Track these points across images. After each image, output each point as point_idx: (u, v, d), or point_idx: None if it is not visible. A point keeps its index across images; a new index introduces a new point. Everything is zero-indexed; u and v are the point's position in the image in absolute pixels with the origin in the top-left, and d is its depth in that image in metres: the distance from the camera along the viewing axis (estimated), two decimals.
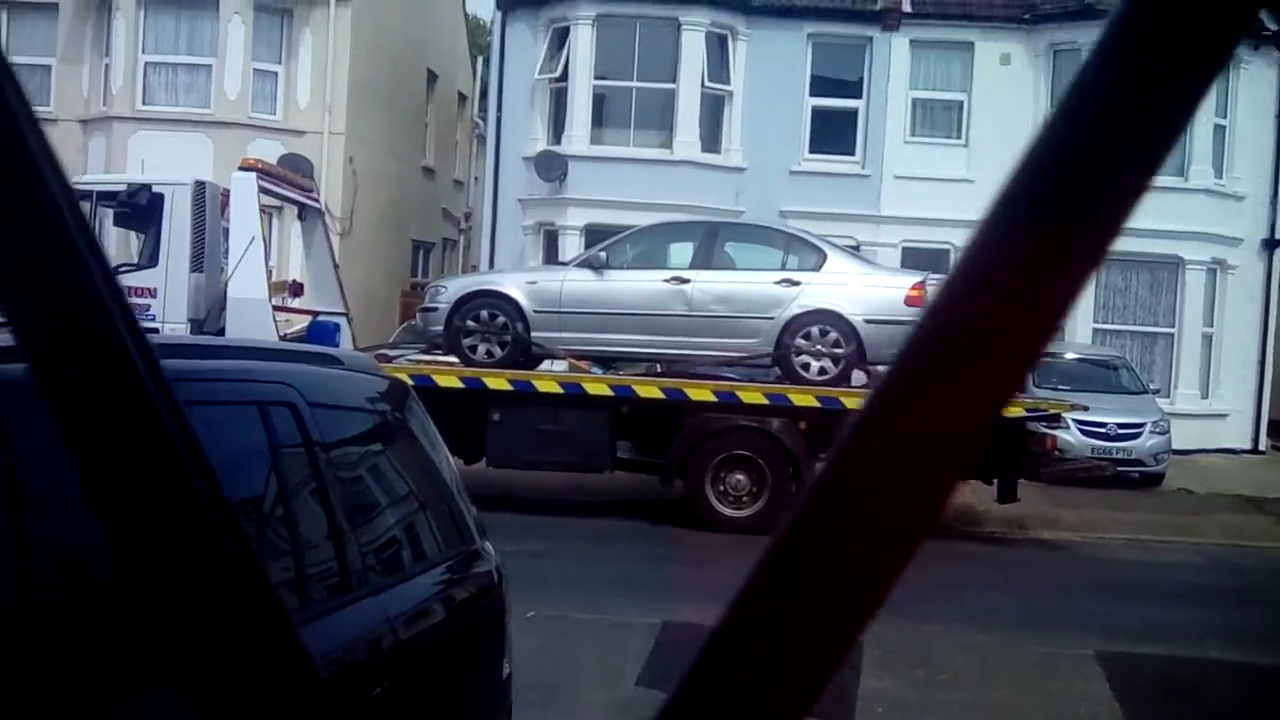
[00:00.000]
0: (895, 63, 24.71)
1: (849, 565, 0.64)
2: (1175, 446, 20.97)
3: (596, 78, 24.23)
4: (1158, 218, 22.11)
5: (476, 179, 33.63)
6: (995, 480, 15.93)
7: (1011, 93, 24.37)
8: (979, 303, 0.61)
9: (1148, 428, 20.02)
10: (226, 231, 15.53)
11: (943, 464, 0.63)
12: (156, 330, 14.73)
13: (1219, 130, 23.95)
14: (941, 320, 0.62)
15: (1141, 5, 0.59)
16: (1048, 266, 0.61)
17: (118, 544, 0.61)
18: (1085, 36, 23.68)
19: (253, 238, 14.97)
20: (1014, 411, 15.53)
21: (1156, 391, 22.05)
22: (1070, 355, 21.56)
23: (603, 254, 15.93)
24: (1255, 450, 24.54)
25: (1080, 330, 23.54)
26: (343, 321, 16.81)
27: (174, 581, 0.61)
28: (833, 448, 0.66)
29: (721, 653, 0.65)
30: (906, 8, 24.87)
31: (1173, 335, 24.22)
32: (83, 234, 0.61)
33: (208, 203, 15.69)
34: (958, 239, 24.03)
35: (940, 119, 25.17)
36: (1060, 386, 19.09)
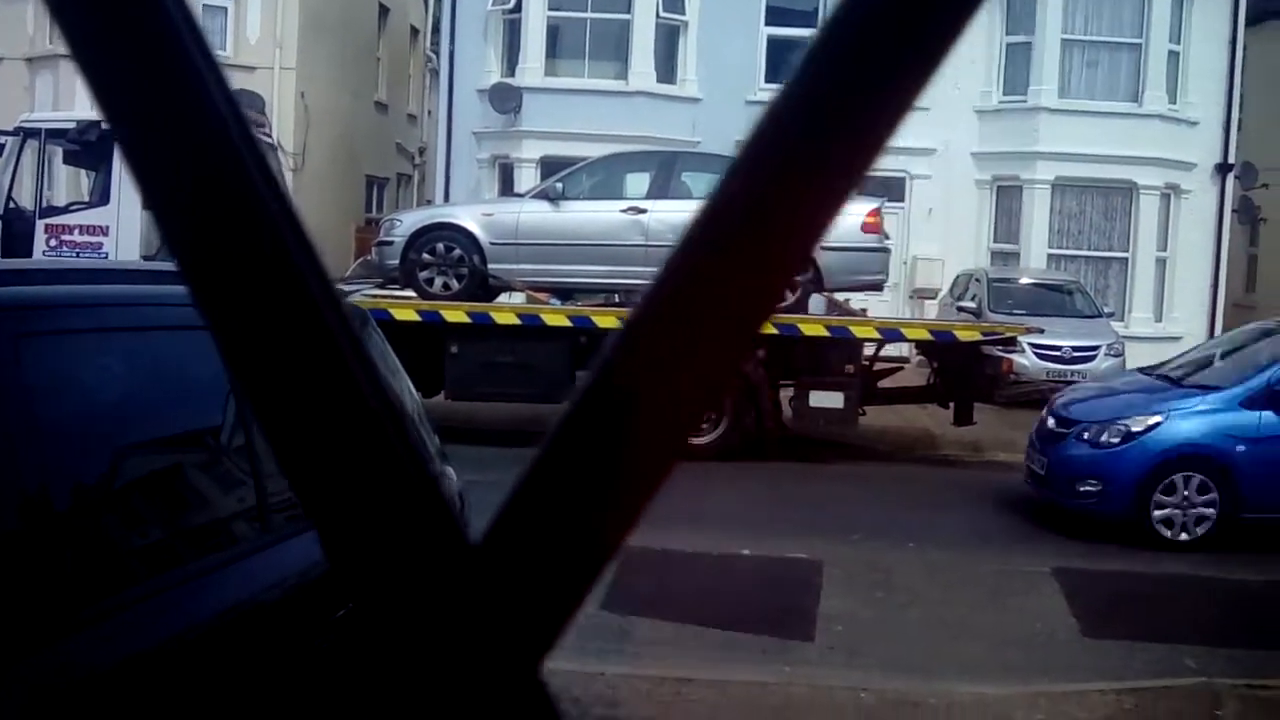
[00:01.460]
0: None
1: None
2: (1130, 368, 21.18)
3: (550, 9, 24.02)
4: (1112, 143, 22.26)
5: (430, 113, 33.38)
6: (951, 404, 16.10)
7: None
8: (733, 219, 0.62)
9: (1102, 350, 20.18)
10: None
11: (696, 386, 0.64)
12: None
13: (1173, 56, 24.02)
14: (702, 234, 0.63)
15: None
16: (806, 182, 0.62)
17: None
18: None
19: None
20: (969, 335, 15.68)
21: (1111, 315, 22.23)
22: (1025, 280, 21.70)
23: (559, 185, 15.88)
24: None
25: (1035, 255, 23.69)
26: None
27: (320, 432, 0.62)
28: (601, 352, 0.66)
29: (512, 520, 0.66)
30: None
31: (1127, 260, 24.39)
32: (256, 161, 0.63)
33: None
34: (913, 167, 24.15)
35: None
36: (1015, 311, 19.24)
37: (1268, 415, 11.55)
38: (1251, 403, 11.68)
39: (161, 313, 3.91)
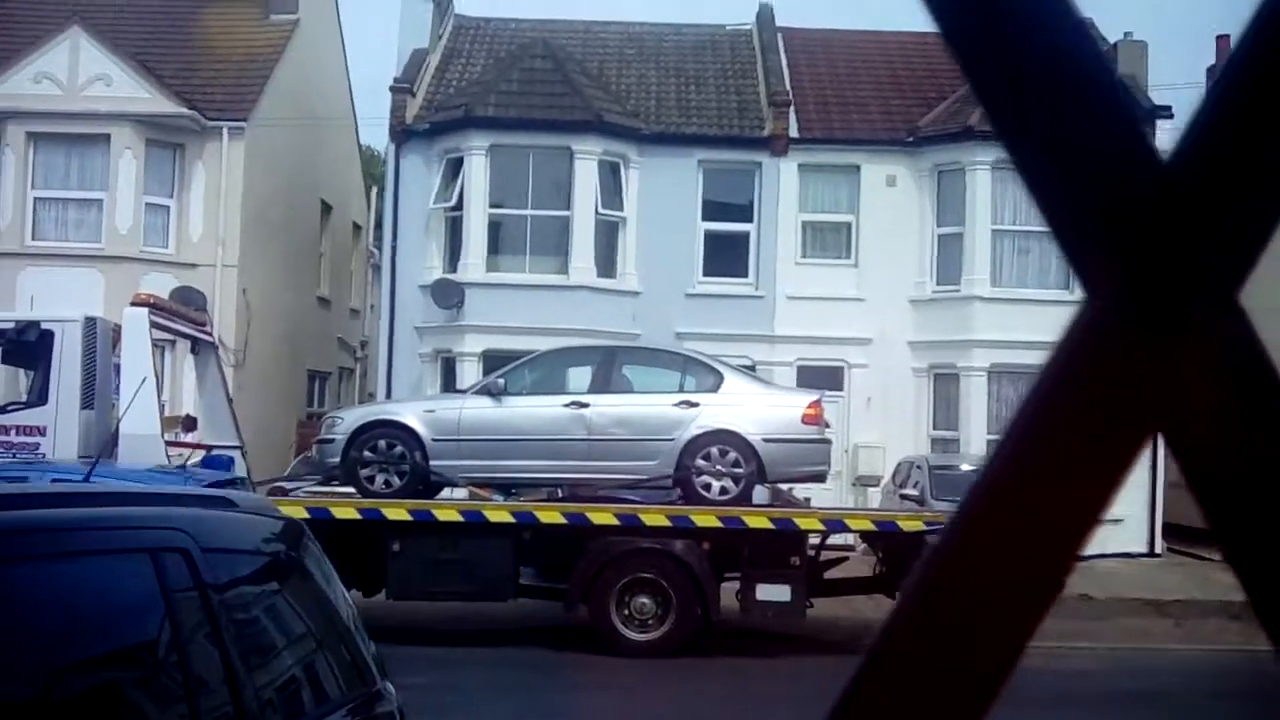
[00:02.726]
0: (784, 186, 25.19)
1: (943, 687, 0.65)
2: None
3: (491, 206, 24.41)
4: (1046, 330, 22.56)
5: (372, 308, 33.58)
6: (898, 594, 16.02)
7: (898, 213, 24.95)
8: (978, 551, 0.64)
9: None
10: (118, 367, 15.33)
11: (1031, 589, 0.65)
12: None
13: None
14: (1024, 442, 0.64)
15: None
16: (1051, 516, 0.64)
17: None
18: (968, 157, 24.39)
19: (144, 378, 14.78)
20: (912, 525, 15.69)
21: None
22: (967, 466, 21.83)
23: (501, 380, 15.93)
24: (1152, 553, 24.91)
25: (975, 440, 23.86)
26: (237, 455, 16.59)
27: None
28: (913, 577, 0.67)
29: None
30: (794, 133, 25.43)
31: None
32: None
33: (98, 339, 15.51)
34: (851, 356, 24.47)
35: (830, 240, 25.65)
36: (958, 499, 19.27)
37: None
38: None
39: (105, 536, 3.89)
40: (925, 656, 0.65)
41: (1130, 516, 24.72)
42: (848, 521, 16.51)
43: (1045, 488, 0.65)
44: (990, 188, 24.41)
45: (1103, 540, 19.19)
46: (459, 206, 24.37)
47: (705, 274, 25.20)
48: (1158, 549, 25.15)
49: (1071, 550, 0.66)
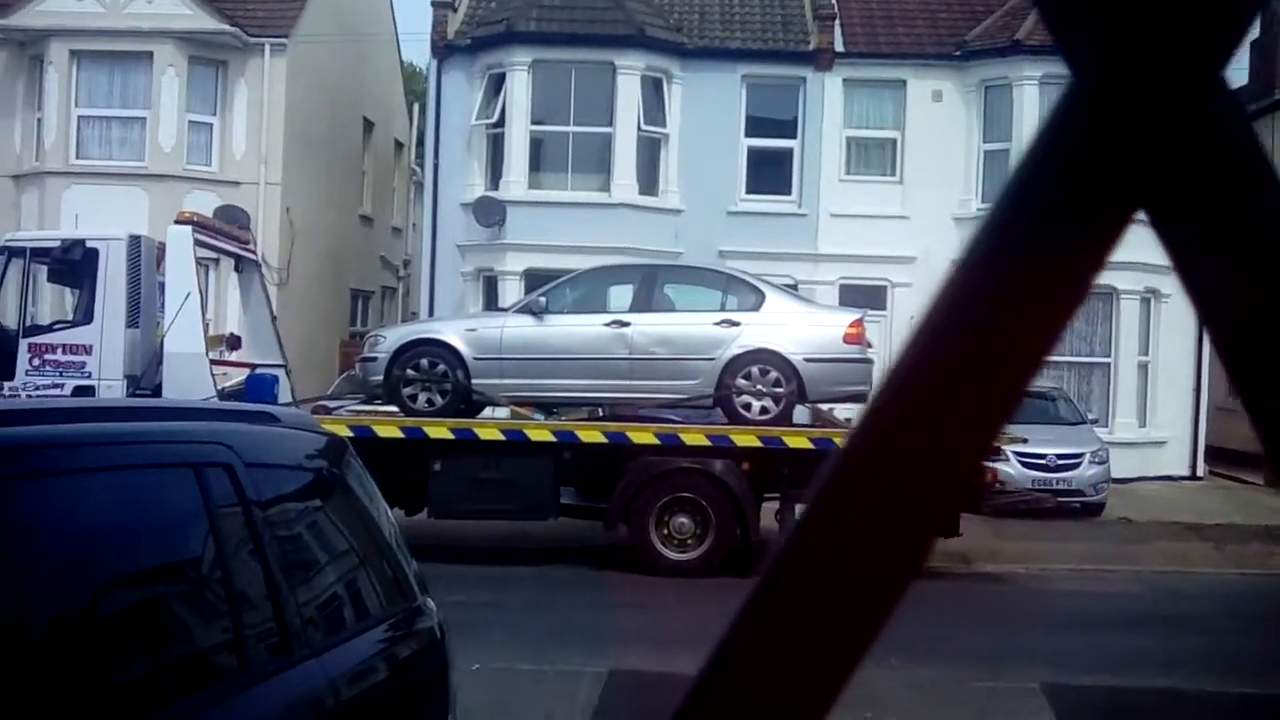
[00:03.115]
0: (829, 102, 24.95)
1: (838, 605, 0.64)
2: (1114, 475, 21.18)
3: (533, 123, 24.30)
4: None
5: (415, 226, 33.59)
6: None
7: (944, 129, 24.68)
8: (965, 331, 0.63)
9: (1087, 458, 20.20)
10: (162, 286, 15.42)
11: (930, 498, 0.64)
12: (92, 389, 14.61)
13: None
14: (928, 349, 0.63)
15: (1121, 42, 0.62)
16: (1036, 293, 0.62)
17: None
18: (1016, 72, 24.06)
19: (188, 294, 14.87)
20: None
21: (1094, 421, 22.27)
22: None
23: (542, 299, 15.91)
24: (1193, 477, 24.81)
25: None
26: (281, 373, 16.71)
27: None
28: (815, 484, 0.66)
29: (705, 701, 0.65)
30: (839, 47, 25.14)
31: (1109, 365, 24.47)
32: None
33: (143, 257, 15.59)
34: (894, 275, 24.30)
35: (874, 157, 25.43)
36: None
37: None
38: None
39: (148, 450, 3.93)
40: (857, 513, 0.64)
41: (1173, 439, 24.63)
42: None
43: (1022, 277, 0.63)
44: (1038, 103, 24.08)
45: (1145, 463, 19.28)
46: (500, 123, 24.28)
47: (748, 191, 25.05)
48: (1199, 472, 25.04)
49: (1045, 347, 0.65)
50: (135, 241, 15.63)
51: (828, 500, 0.64)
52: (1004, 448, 16.71)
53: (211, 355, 15.54)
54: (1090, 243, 0.63)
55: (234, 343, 17.50)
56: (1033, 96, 24.08)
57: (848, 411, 17.82)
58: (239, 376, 16.37)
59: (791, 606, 0.65)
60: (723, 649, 0.65)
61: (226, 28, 25.77)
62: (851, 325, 15.50)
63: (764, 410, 15.25)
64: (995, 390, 0.64)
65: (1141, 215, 0.66)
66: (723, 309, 15.76)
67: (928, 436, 0.63)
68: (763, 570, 0.66)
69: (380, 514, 5.55)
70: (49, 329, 15.73)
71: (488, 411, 16.52)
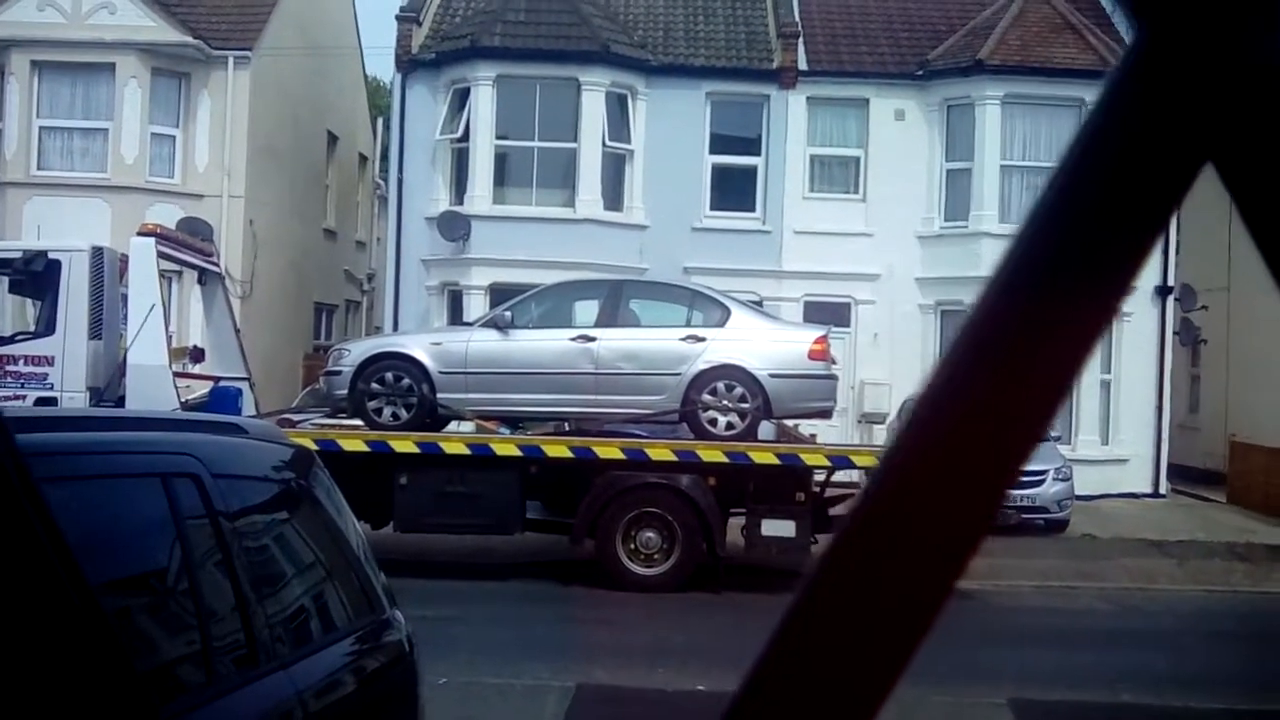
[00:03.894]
0: (793, 120, 25.04)
1: (872, 628, 0.63)
2: (1078, 492, 21.28)
3: (498, 137, 24.27)
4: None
5: (379, 240, 33.51)
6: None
7: (907, 147, 24.81)
8: (991, 364, 0.61)
9: (1050, 474, 20.28)
10: (125, 297, 15.31)
11: (962, 525, 0.63)
12: (54, 400, 14.48)
13: None
14: (956, 379, 0.62)
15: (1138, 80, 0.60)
16: (1060, 324, 0.61)
17: None
18: (978, 91, 24.23)
19: (152, 305, 14.77)
20: None
21: (1058, 438, 22.36)
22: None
23: (507, 313, 15.88)
24: (1156, 494, 24.96)
25: None
26: (245, 386, 16.61)
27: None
28: (850, 507, 0.65)
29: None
30: (802, 65, 25.24)
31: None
32: None
33: (105, 269, 15.47)
34: (858, 292, 24.40)
35: (838, 174, 25.53)
36: None
37: None
38: None
39: (116, 460, 3.88)
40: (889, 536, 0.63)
41: (1135, 457, 24.79)
42: (853, 458, 16.48)
43: (1081, 248, 0.62)
44: (1000, 122, 24.29)
45: (1108, 480, 19.38)
46: (465, 138, 24.25)
47: (712, 208, 25.10)
48: (1162, 490, 25.20)
49: (1105, 320, 0.64)
50: (98, 253, 15.52)
51: (865, 516, 0.63)
52: None
53: (175, 368, 15.43)
54: (1160, 201, 0.62)
55: (197, 355, 17.39)
56: (994, 116, 24.26)
57: (812, 427, 17.86)
58: (202, 389, 16.27)
59: (829, 623, 0.63)
60: (760, 668, 0.64)
61: (190, 40, 25.65)
62: (816, 341, 15.54)
63: (730, 426, 15.26)
64: (1036, 399, 0.63)
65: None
66: (688, 324, 15.77)
67: (966, 450, 0.62)
68: (799, 586, 0.65)
69: (348, 526, 5.52)
70: (11, 340, 15.59)
71: (453, 425, 16.46)
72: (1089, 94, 24.14)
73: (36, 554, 0.59)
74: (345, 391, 15.61)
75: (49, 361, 14.91)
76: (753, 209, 25.20)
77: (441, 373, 15.44)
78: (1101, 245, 0.62)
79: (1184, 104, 0.61)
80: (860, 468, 16.72)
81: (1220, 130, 0.61)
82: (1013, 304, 0.63)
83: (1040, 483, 20.07)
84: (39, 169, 25.43)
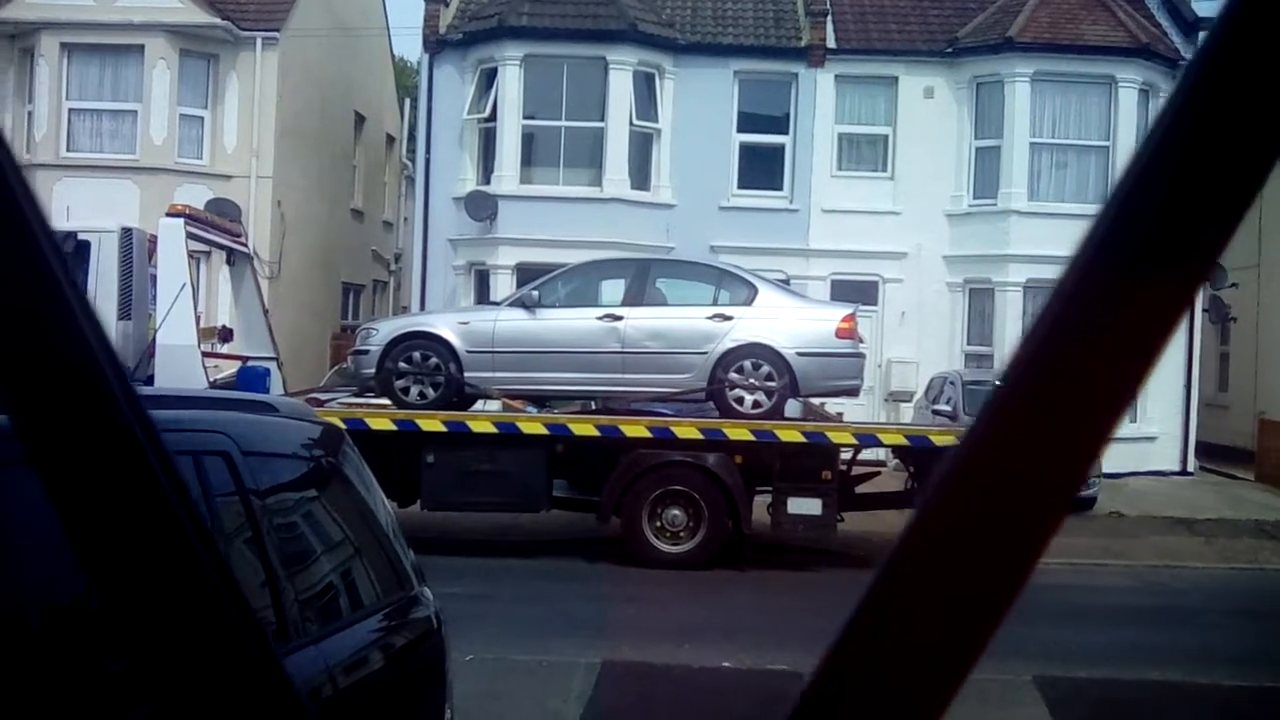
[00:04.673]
0: (821, 98, 24.97)
1: (951, 610, 0.64)
2: (1105, 470, 21.20)
3: (525, 117, 24.28)
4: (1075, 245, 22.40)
5: (406, 220, 33.55)
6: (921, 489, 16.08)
7: (936, 125, 24.72)
8: (1074, 346, 0.63)
9: None
10: (154, 278, 15.40)
11: (1042, 506, 0.65)
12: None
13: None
14: (1037, 361, 0.63)
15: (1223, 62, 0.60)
16: (1144, 305, 0.62)
17: (100, 577, 0.62)
18: (1007, 69, 24.09)
19: (182, 285, 14.85)
20: (944, 440, 15.68)
21: None
22: (999, 381, 21.72)
23: (535, 293, 15.92)
24: (1184, 472, 24.87)
25: (1009, 357, 23.74)
26: (273, 366, 16.69)
27: (156, 608, 0.62)
28: (927, 491, 0.67)
29: (820, 706, 0.65)
30: (831, 44, 25.15)
31: None
32: (69, 284, 0.62)
33: (135, 249, 15.56)
34: (886, 270, 24.34)
35: (866, 153, 25.45)
36: None
37: None
38: None
39: None
40: (944, 560, 0.65)
41: (1164, 435, 24.69)
42: (880, 436, 16.51)
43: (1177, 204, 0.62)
44: (1029, 100, 24.16)
45: (1136, 458, 19.37)
46: (492, 118, 24.26)
47: (740, 187, 25.06)
48: (1190, 468, 25.11)
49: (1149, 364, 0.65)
50: (127, 234, 15.61)
51: (950, 491, 0.65)
52: None
53: (203, 348, 15.52)
54: (1254, 166, 0.62)
55: (226, 335, 17.47)
56: (1024, 93, 24.14)
57: (839, 406, 17.85)
58: (231, 369, 16.35)
59: (916, 592, 0.65)
60: (845, 637, 0.65)
61: (218, 21, 25.73)
62: (843, 320, 15.52)
63: (756, 404, 15.27)
64: (1119, 377, 0.64)
65: None
66: (715, 303, 15.78)
67: (1049, 428, 0.64)
68: (883, 558, 0.66)
69: (377, 503, 5.56)
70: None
71: (480, 404, 16.52)
72: (1119, 71, 24.04)
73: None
74: (373, 370, 15.68)
75: None
76: (780, 188, 25.15)
77: (469, 352, 15.49)
78: (1191, 215, 0.62)
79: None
80: (886, 445, 16.74)
81: None
82: (1098, 279, 0.64)
83: None
84: (68, 151, 25.57)
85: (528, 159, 24.55)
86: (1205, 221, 0.63)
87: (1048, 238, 23.34)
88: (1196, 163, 0.62)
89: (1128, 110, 24.16)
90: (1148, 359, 0.64)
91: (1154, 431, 24.58)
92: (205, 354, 15.44)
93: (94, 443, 0.62)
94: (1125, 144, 24.10)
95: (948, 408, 20.26)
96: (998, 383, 0.68)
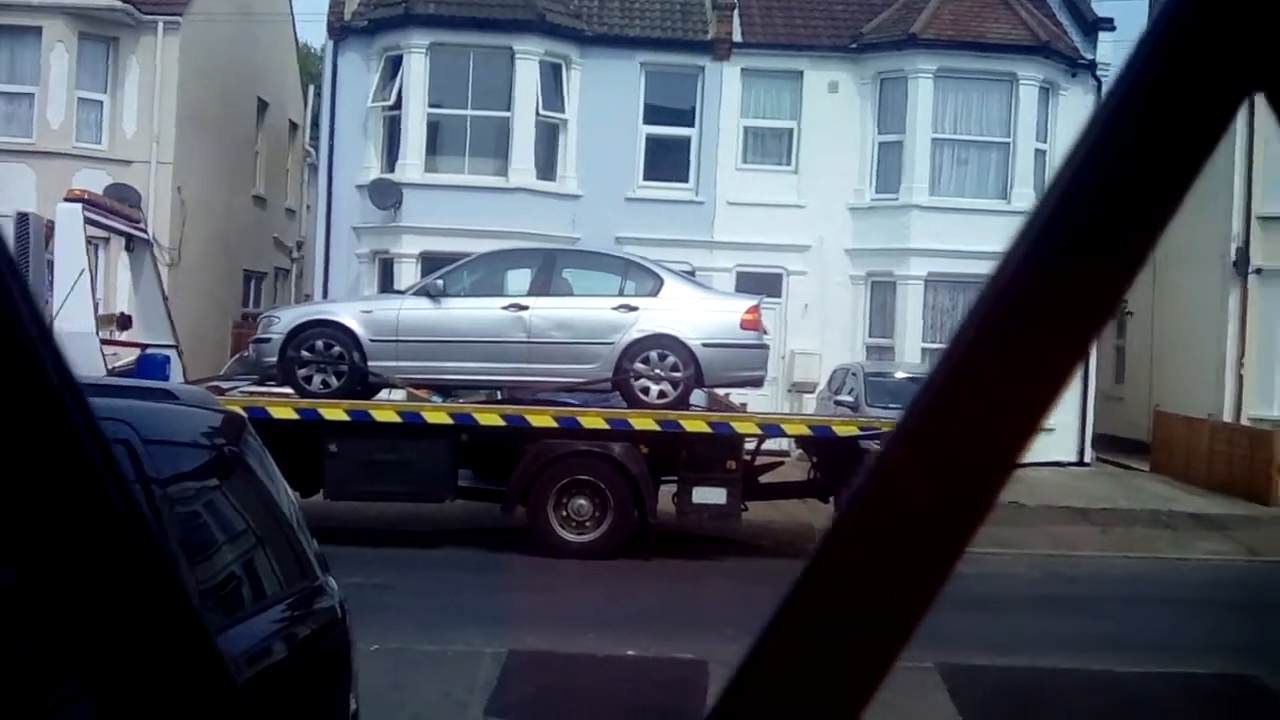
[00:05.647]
0: (727, 91, 25.09)
1: (878, 598, 0.65)
2: None
3: (431, 106, 24.14)
4: (982, 240, 22.78)
5: (309, 207, 33.25)
6: (831, 498, 16.25)
7: (840, 120, 24.94)
8: (1009, 329, 0.64)
9: None
10: (51, 264, 15.11)
11: (973, 493, 0.65)
12: None
13: (1039, 154, 24.68)
14: (973, 345, 0.64)
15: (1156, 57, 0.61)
16: (1082, 290, 0.63)
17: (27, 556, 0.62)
18: (910, 65, 24.38)
19: (81, 271, 14.59)
20: (846, 430, 15.85)
21: None
22: (901, 374, 22.01)
23: (440, 281, 15.85)
24: (1081, 463, 25.30)
25: (910, 349, 24.08)
26: (172, 354, 16.45)
27: (89, 590, 0.62)
28: (862, 474, 0.66)
29: (745, 694, 0.66)
30: (737, 37, 25.28)
31: None
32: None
33: (31, 235, 15.24)
34: (790, 263, 24.53)
35: (771, 146, 25.61)
36: (892, 405, 19.48)
37: None
38: None
39: None
40: (868, 557, 0.66)
41: (1062, 426, 25.09)
42: (783, 426, 16.66)
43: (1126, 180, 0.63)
44: (932, 96, 24.47)
45: (1035, 449, 19.54)
46: (397, 106, 24.10)
47: (646, 178, 25.12)
48: (1087, 458, 25.56)
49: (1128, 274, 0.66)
50: (24, 219, 15.28)
51: (880, 481, 0.65)
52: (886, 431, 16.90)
53: (102, 335, 15.26)
54: (1204, 129, 0.63)
55: (124, 322, 17.18)
56: (927, 89, 24.43)
57: (743, 396, 17.97)
58: (129, 356, 16.10)
59: (844, 583, 0.66)
60: (769, 631, 0.67)
61: (118, 4, 25.28)
62: (748, 311, 15.64)
63: (662, 394, 15.34)
64: (1049, 368, 0.65)
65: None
66: (621, 294, 15.81)
67: (976, 426, 0.64)
68: (812, 550, 0.67)
69: (280, 492, 5.52)
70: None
71: (384, 394, 16.42)
72: (1020, 69, 24.42)
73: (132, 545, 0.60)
74: (275, 359, 15.53)
75: None
76: (686, 180, 25.25)
77: (372, 340, 15.40)
78: (1128, 203, 0.63)
79: (1229, 37, 0.62)
80: (790, 436, 16.88)
81: (1268, 60, 0.62)
82: (1037, 264, 0.65)
83: None
84: None
85: (433, 147, 24.42)
86: (1142, 209, 0.64)
87: (948, 232, 23.70)
88: (1134, 152, 0.64)
89: (1028, 107, 24.56)
90: (1083, 344, 0.65)
91: (1052, 423, 24.78)
92: (104, 341, 15.18)
93: (21, 415, 0.63)
94: (1025, 140, 24.52)
95: (850, 399, 20.45)
96: (930, 370, 0.69)
